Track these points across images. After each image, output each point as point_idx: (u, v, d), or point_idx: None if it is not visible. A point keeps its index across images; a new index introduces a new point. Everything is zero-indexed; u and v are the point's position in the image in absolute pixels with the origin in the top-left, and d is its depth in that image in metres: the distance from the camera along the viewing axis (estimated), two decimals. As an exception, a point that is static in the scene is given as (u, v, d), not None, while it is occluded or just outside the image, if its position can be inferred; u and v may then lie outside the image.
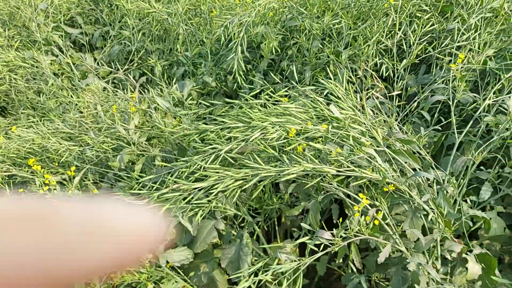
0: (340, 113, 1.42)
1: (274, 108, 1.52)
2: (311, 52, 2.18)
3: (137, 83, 2.71)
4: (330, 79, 2.05)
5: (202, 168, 1.33)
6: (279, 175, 1.28)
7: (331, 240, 1.10)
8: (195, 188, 1.28)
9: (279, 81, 2.38)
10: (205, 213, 1.34)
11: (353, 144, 1.35)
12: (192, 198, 1.34)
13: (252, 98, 1.59)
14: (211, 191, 1.31)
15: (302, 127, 1.38)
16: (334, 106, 1.38)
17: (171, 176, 1.43)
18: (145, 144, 1.79)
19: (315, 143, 1.41)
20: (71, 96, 2.22)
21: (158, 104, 1.93)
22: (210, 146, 1.40)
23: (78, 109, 2.09)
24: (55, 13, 2.76)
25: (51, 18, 2.70)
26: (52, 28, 2.63)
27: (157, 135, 1.82)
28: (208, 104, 1.92)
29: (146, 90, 2.37)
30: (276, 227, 2.04)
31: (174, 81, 2.27)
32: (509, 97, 1.47)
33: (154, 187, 1.40)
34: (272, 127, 1.37)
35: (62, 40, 2.70)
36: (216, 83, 2.43)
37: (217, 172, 1.27)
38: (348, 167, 1.32)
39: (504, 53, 1.75)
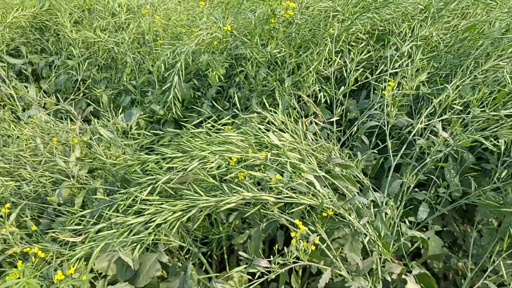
0: (279, 140, 1.44)
1: (216, 137, 1.52)
2: (257, 80, 2.22)
3: (84, 113, 2.66)
4: (277, 105, 2.10)
5: (140, 200, 1.31)
6: (218, 204, 1.28)
7: (267, 268, 1.10)
8: (133, 222, 1.25)
9: (228, 108, 2.40)
10: (144, 246, 1.31)
11: (292, 171, 1.37)
12: (131, 231, 1.31)
13: (194, 128, 1.59)
14: (150, 224, 1.29)
15: (242, 155, 1.39)
16: (272, 134, 1.40)
17: (110, 209, 1.40)
18: (86, 176, 1.75)
19: (256, 171, 1.42)
20: (12, 129, 2.15)
21: (102, 135, 1.90)
22: (149, 177, 1.38)
23: (18, 142, 2.02)
24: (-3, 43, 2.69)
25: (-7, 48, 2.63)
26: (-7, 58, 2.56)
27: (100, 167, 1.78)
28: (156, 132, 1.90)
29: (92, 120, 2.33)
30: (230, 255, 2.03)
31: (120, 110, 2.25)
32: (438, 121, 1.54)
33: (92, 222, 1.36)
34: (212, 156, 1.38)
35: (5, 71, 2.63)
36: (164, 111, 2.42)
37: (155, 205, 1.26)
38: (287, 193, 1.34)
39: (436, 78, 1.85)
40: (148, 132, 2.41)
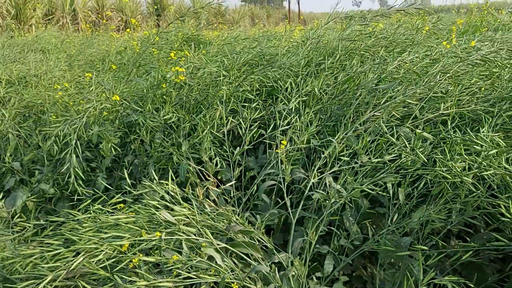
0: (173, 216, 1.38)
1: (105, 220, 1.42)
2: (153, 146, 2.16)
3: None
4: (176, 170, 2.04)
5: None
6: (111, 300, 1.17)
7: None
8: None
9: (125, 177, 2.29)
10: None
11: (190, 247, 1.30)
12: None
13: (78, 213, 1.46)
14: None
15: (134, 239, 1.30)
16: (165, 211, 1.33)
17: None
18: (-40, 282, 1.51)
19: (153, 253, 1.33)
20: None
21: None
22: (30, 280, 1.23)
23: None
24: None
25: None
26: None
27: (-24, 268, 1.56)
28: (38, 223, 1.72)
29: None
30: None
31: (1, 195, 2.03)
32: (329, 173, 1.59)
33: None
34: (101, 246, 1.27)
35: None
36: (55, 189, 2.24)
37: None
38: (187, 274, 1.26)
39: (324, 129, 1.93)
40: (39, 215, 2.20)
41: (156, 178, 2.21)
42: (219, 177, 1.87)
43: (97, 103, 2.01)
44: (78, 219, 1.45)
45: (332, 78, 2.05)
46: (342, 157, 1.66)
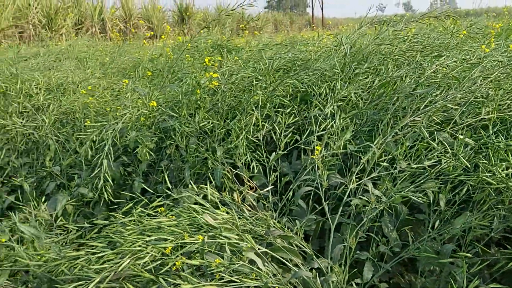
0: (214, 220, 1.39)
1: (148, 223, 1.44)
2: (188, 151, 2.18)
3: (4, 204, 2.45)
4: (211, 174, 2.06)
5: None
6: (156, 302, 1.19)
7: None
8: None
9: (160, 182, 2.33)
10: None
11: (232, 251, 1.31)
12: None
13: (121, 216, 1.49)
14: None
15: (177, 242, 1.31)
16: (207, 215, 1.35)
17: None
18: (8, 281, 1.57)
19: (195, 257, 1.35)
20: None
21: (23, 232, 1.74)
22: (78, 282, 1.26)
23: None
24: None
25: None
26: None
27: (22, 269, 1.61)
28: (81, 226, 1.77)
29: (11, 215, 2.14)
30: None
31: (43, 199, 2.09)
32: (369, 179, 1.58)
33: None
34: (145, 248, 1.29)
35: None
36: (93, 193, 2.29)
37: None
38: (230, 277, 1.27)
39: (360, 135, 1.92)
40: (78, 218, 2.25)
41: (192, 182, 2.24)
42: (254, 182, 1.88)
43: (134, 109, 2.05)
44: (121, 222, 1.48)
45: (368, 82, 2.04)
46: (380, 163, 1.64)
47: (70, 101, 2.62)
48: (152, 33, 16.32)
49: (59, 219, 1.90)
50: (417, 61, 2.15)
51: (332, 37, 3.73)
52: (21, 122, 2.35)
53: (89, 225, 1.73)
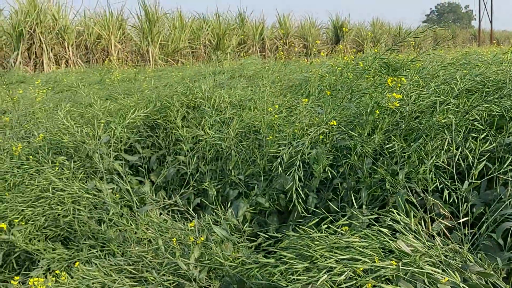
0: (408, 247, 1.36)
1: (335, 241, 1.48)
2: (364, 171, 2.18)
3: (192, 204, 2.77)
4: (386, 198, 2.02)
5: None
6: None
7: None
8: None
9: (331, 199, 2.36)
10: None
11: (428, 283, 1.26)
12: None
13: (311, 230, 1.56)
14: None
15: (370, 265, 1.32)
16: (401, 241, 1.33)
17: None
18: (205, 278, 1.77)
19: (384, 283, 1.33)
20: (131, 225, 2.28)
21: (216, 233, 1.94)
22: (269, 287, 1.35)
23: (137, 238, 2.13)
24: (116, 142, 2.97)
25: (113, 147, 2.91)
26: (113, 157, 2.82)
27: (217, 267, 1.80)
28: (269, 235, 1.90)
29: (201, 214, 2.40)
30: None
31: (229, 204, 2.31)
32: None
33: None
34: (338, 265, 1.32)
35: (122, 167, 2.87)
36: (269, 203, 2.45)
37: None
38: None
39: None
40: (253, 225, 2.42)
41: (365, 204, 2.22)
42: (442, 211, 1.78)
43: (318, 127, 2.14)
44: (310, 237, 1.54)
45: None
46: None
47: (250, 116, 2.85)
48: (305, 50, 16.81)
49: (244, 226, 2.07)
50: None
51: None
52: (211, 134, 2.64)
53: (278, 235, 1.84)
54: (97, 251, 2.19)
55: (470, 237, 1.67)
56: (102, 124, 2.95)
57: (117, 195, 2.54)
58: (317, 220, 1.74)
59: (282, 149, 2.25)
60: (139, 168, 3.21)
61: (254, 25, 16.26)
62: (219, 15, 15.42)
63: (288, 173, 2.15)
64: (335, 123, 2.18)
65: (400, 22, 24.43)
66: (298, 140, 2.26)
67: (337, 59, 5.25)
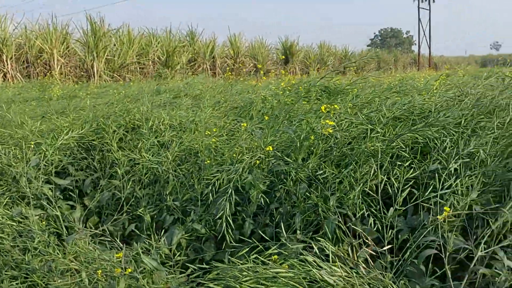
0: (332, 276, 1.37)
1: (263, 271, 1.47)
2: (299, 196, 2.20)
3: (126, 231, 2.67)
4: (319, 222, 2.04)
5: None
6: None
7: None
8: None
9: (267, 224, 2.37)
10: None
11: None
12: None
13: (239, 261, 1.54)
14: None
15: (293, 296, 1.32)
16: (325, 271, 1.34)
17: None
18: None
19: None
20: (57, 254, 2.16)
21: (145, 262, 1.88)
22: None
23: (63, 269, 2.01)
24: (46, 165, 2.83)
25: (42, 170, 2.76)
26: (42, 181, 2.67)
27: (143, 299, 1.73)
28: (202, 266, 1.86)
29: (133, 241, 2.32)
30: None
31: (162, 232, 2.25)
32: (500, 247, 1.45)
33: None
34: (262, 298, 1.31)
35: (52, 192, 2.72)
36: (205, 229, 2.40)
37: None
38: None
39: (488, 196, 1.77)
40: (189, 252, 2.37)
41: (299, 229, 2.24)
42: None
43: (252, 153, 2.14)
44: (239, 268, 1.52)
45: (498, 138, 1.90)
46: (515, 231, 1.50)
47: (190, 139, 2.82)
48: (254, 69, 17.04)
49: (177, 254, 2.02)
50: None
51: (443, 79, 3.53)
52: (148, 158, 2.57)
53: (207, 266, 1.81)
54: (17, 283, 2.05)
55: (395, 263, 1.72)
56: (32, 146, 2.80)
57: (44, 222, 2.40)
58: (247, 249, 1.72)
59: (219, 174, 2.23)
60: (71, 192, 3.07)
61: (205, 43, 16.31)
62: (169, 31, 15.35)
63: (223, 199, 2.13)
64: (271, 149, 2.19)
65: (346, 45, 25.46)
66: (236, 164, 2.25)
67: (283, 81, 5.34)
